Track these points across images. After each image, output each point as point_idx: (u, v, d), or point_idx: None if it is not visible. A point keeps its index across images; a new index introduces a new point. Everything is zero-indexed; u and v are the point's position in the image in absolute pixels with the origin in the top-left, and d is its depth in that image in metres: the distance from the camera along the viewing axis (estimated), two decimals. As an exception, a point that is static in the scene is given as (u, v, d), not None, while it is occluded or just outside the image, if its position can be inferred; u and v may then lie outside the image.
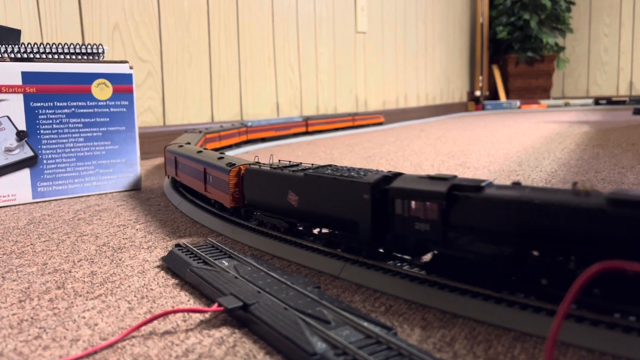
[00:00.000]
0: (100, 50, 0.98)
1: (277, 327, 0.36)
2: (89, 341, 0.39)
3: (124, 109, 1.00)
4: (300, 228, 0.58)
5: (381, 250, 0.49)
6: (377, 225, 0.47)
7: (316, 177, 0.52)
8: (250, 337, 0.38)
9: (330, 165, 0.56)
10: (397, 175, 0.47)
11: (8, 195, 0.90)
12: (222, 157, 0.70)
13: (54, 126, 0.94)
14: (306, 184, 0.53)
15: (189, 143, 1.02)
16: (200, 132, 1.34)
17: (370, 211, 0.46)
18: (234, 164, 0.65)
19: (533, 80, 4.36)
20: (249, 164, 0.65)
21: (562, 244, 0.36)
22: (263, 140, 1.89)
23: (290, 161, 0.62)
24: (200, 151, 0.80)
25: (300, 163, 0.61)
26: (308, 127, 2.15)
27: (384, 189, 0.46)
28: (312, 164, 0.57)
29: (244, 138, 1.75)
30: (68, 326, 0.41)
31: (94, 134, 0.98)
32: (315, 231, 0.56)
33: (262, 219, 0.62)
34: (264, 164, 0.63)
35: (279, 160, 0.63)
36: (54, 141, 0.94)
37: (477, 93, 4.39)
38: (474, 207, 0.40)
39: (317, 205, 0.52)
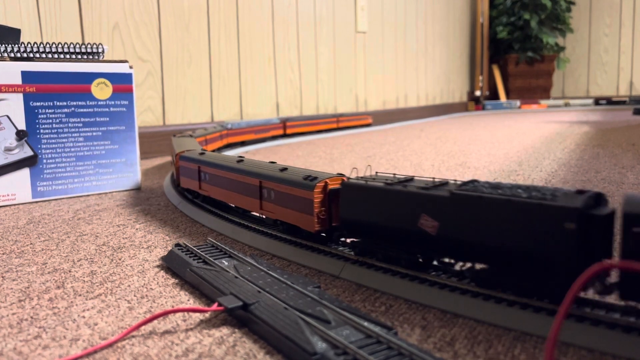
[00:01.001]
0: (100, 50, 0.98)
1: (277, 327, 0.36)
2: (89, 341, 0.39)
3: (124, 109, 1.00)
4: (435, 262, 0.47)
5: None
6: (581, 262, 0.36)
7: (475, 198, 0.40)
8: (250, 336, 0.38)
9: (475, 181, 0.44)
10: (600, 196, 0.37)
11: (8, 195, 0.90)
12: (285, 169, 0.58)
13: (54, 126, 0.94)
14: (456, 207, 0.41)
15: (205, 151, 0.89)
16: (190, 135, 1.22)
17: (576, 245, 0.35)
18: (316, 178, 0.53)
19: (533, 80, 4.36)
20: (344, 178, 0.52)
21: None
22: (243, 143, 1.74)
23: (394, 174, 0.50)
24: (241, 160, 0.68)
25: (413, 177, 0.49)
26: (286, 129, 1.99)
27: (593, 214, 0.35)
28: (434, 178, 0.47)
29: (225, 142, 1.58)
30: (68, 326, 0.41)
31: (94, 134, 0.98)
32: (458, 265, 0.45)
33: (366, 246, 0.49)
34: (362, 178, 0.50)
35: (393, 175, 0.50)
36: (53, 141, 0.94)
37: (477, 93, 4.39)
38: None
39: (472, 234, 0.40)
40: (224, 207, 0.75)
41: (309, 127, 2.13)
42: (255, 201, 0.62)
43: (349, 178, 0.52)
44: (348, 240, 0.53)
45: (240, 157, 0.71)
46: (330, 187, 0.52)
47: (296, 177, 0.55)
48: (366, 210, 0.48)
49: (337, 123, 2.33)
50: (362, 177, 0.51)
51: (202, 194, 0.78)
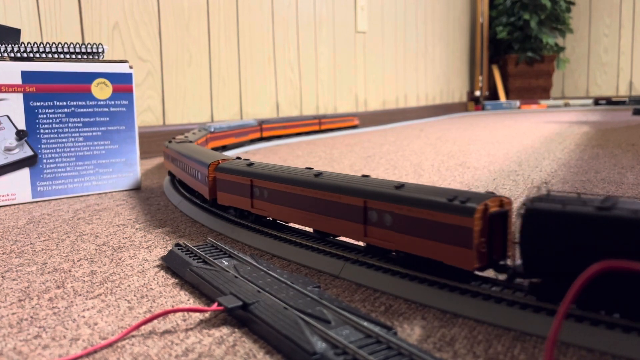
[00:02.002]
0: (100, 50, 0.98)
1: (277, 327, 0.36)
2: (89, 340, 0.39)
3: (124, 109, 1.00)
4: None
5: None
6: None
7: None
8: (250, 336, 0.38)
9: None
10: None
11: (7, 195, 0.90)
12: (402, 185, 0.47)
13: (54, 125, 0.94)
14: None
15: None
16: (190, 140, 1.10)
17: None
18: (469, 199, 0.41)
19: (533, 81, 4.36)
20: (505, 199, 0.42)
21: None
22: (224, 148, 1.60)
23: (578, 193, 0.40)
24: (320, 174, 0.55)
25: (613, 197, 0.38)
26: (262, 132, 1.85)
27: None
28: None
29: (210, 146, 1.42)
30: (68, 325, 0.41)
31: (94, 134, 0.98)
32: None
33: (557, 289, 0.38)
34: (542, 198, 0.39)
35: (577, 194, 0.39)
36: (53, 140, 0.94)
37: (477, 93, 4.39)
38: None
39: None
40: (267, 223, 0.65)
41: (286, 129, 1.96)
42: (357, 226, 0.49)
43: (503, 197, 0.42)
44: (524, 282, 0.42)
45: (311, 168, 0.59)
46: (491, 210, 0.41)
47: (435, 197, 0.43)
48: (567, 243, 0.36)
49: (319, 125, 2.18)
50: (540, 197, 0.39)
51: (256, 214, 0.63)
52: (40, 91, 0.92)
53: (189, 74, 1.76)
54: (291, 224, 0.67)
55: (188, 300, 0.46)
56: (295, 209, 0.56)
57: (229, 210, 0.73)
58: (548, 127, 2.34)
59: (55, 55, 0.94)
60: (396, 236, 0.46)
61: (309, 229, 0.63)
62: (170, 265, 0.53)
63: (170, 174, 1.05)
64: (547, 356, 0.26)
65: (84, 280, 0.51)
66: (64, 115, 0.95)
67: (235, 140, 1.64)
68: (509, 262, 0.41)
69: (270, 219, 0.64)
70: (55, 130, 0.94)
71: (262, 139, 1.88)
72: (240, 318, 0.40)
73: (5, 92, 0.89)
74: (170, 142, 1.03)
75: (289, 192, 0.57)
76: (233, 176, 0.66)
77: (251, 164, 0.65)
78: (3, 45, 0.89)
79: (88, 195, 0.98)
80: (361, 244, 0.57)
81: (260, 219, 0.65)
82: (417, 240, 0.44)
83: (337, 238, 0.58)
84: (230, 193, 0.67)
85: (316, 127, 2.17)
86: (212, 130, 1.43)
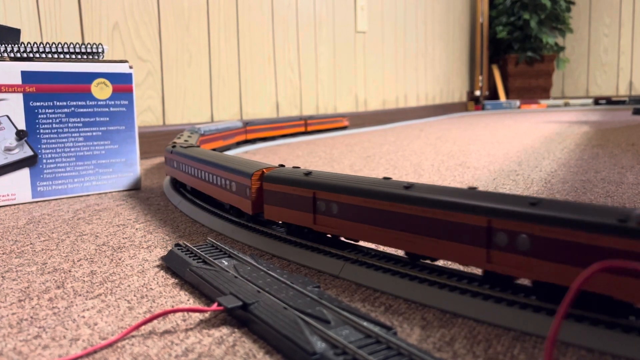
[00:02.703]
0: (100, 50, 0.98)
1: (277, 327, 0.36)
2: (89, 340, 0.39)
3: (124, 109, 1.00)
4: None
5: None
6: None
7: None
8: (250, 336, 0.38)
9: None
10: None
11: (7, 195, 0.90)
12: (538, 202, 0.38)
13: (54, 125, 0.94)
14: None
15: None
16: (197, 145, 1.06)
17: None
18: None
19: (533, 80, 4.36)
20: None
21: None
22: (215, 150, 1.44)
23: None
24: (410, 186, 0.47)
25: None
26: (247, 134, 1.75)
27: None
28: None
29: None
30: (68, 325, 0.41)
31: (94, 134, 0.98)
32: None
33: None
34: None
35: None
36: (53, 141, 0.94)
37: (477, 93, 4.39)
38: None
39: None
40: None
41: (270, 131, 1.86)
42: (476, 250, 0.40)
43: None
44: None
45: (388, 178, 0.51)
46: None
47: (599, 217, 0.35)
48: None
49: (305, 127, 2.06)
50: None
51: (319, 231, 0.54)
52: (40, 91, 0.92)
53: (189, 74, 1.76)
54: (362, 242, 0.59)
55: (188, 300, 0.46)
56: (379, 228, 0.47)
57: (272, 226, 0.64)
58: (548, 127, 2.34)
59: (55, 55, 0.94)
60: (537, 264, 0.37)
61: (388, 249, 0.57)
62: (170, 265, 0.53)
63: (174, 181, 0.98)
64: (546, 356, 0.26)
65: (84, 281, 0.51)
66: (64, 115, 0.95)
67: (224, 143, 1.55)
68: None
69: (335, 237, 0.56)
70: (55, 130, 0.94)
71: (247, 142, 1.78)
72: (240, 318, 0.40)
73: (5, 92, 0.89)
74: (174, 146, 0.93)
75: (370, 207, 0.48)
76: (287, 187, 0.57)
77: (309, 173, 0.56)
78: (3, 45, 0.90)
79: (88, 195, 0.98)
80: (455, 265, 0.51)
81: (320, 236, 0.56)
82: (571, 269, 0.36)
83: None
84: (282, 207, 0.58)
85: (302, 129, 2.05)
86: (203, 132, 1.36)
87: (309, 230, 0.57)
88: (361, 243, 0.60)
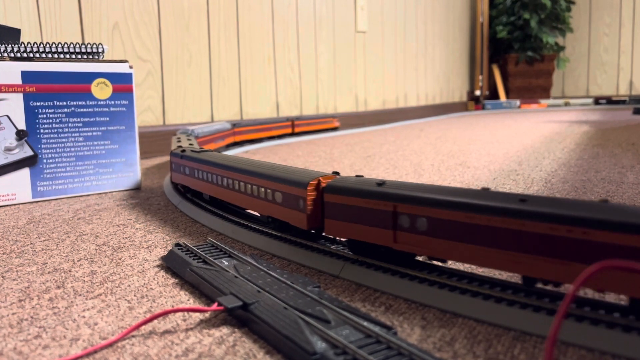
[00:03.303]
0: (100, 50, 0.98)
1: (277, 327, 0.36)
2: (89, 340, 0.39)
3: (124, 109, 1.00)
4: None
5: None
6: None
7: None
8: (250, 336, 0.38)
9: None
10: None
11: (8, 195, 0.90)
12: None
13: (54, 125, 0.94)
14: None
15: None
16: (215, 149, 0.97)
17: None
18: None
19: (533, 80, 4.36)
20: None
21: None
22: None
23: None
24: (525, 199, 0.39)
25: None
26: (235, 136, 1.68)
27: None
28: None
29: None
30: (68, 325, 0.41)
31: (94, 134, 0.98)
32: None
33: None
34: None
35: None
36: (53, 140, 0.94)
37: (477, 92, 4.39)
38: None
39: None
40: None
41: (254, 133, 1.77)
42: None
43: None
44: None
45: (487, 189, 0.44)
46: None
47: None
48: None
49: (292, 128, 1.96)
50: None
51: (401, 250, 0.47)
52: (40, 91, 0.92)
53: (189, 73, 1.76)
54: (451, 262, 0.53)
55: (188, 300, 0.46)
56: (485, 247, 0.40)
57: (323, 242, 0.57)
58: (548, 127, 2.33)
59: (55, 55, 0.94)
60: None
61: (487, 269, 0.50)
62: (170, 265, 0.53)
63: (186, 189, 0.88)
64: (547, 356, 0.26)
65: (84, 280, 0.51)
66: (64, 115, 0.95)
67: (215, 146, 1.49)
68: None
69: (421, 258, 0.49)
70: (56, 130, 0.94)
71: (235, 144, 1.72)
72: (240, 318, 0.40)
73: (5, 92, 0.89)
74: (183, 151, 0.85)
75: (474, 223, 0.40)
76: (356, 199, 0.49)
77: (382, 183, 0.49)
78: (3, 45, 0.89)
79: (88, 195, 0.98)
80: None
81: (401, 256, 0.49)
82: None
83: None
84: (350, 222, 0.50)
85: (288, 130, 1.94)
86: (197, 134, 1.31)
87: (387, 249, 0.49)
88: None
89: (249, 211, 0.71)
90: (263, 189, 0.61)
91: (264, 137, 1.84)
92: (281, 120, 1.92)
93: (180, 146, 0.93)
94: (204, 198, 0.80)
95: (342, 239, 0.55)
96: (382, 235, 0.47)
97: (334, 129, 2.29)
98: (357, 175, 0.54)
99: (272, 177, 0.59)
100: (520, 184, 0.96)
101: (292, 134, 2.00)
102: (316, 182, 0.53)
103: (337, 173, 0.57)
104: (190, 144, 1.00)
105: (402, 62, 3.16)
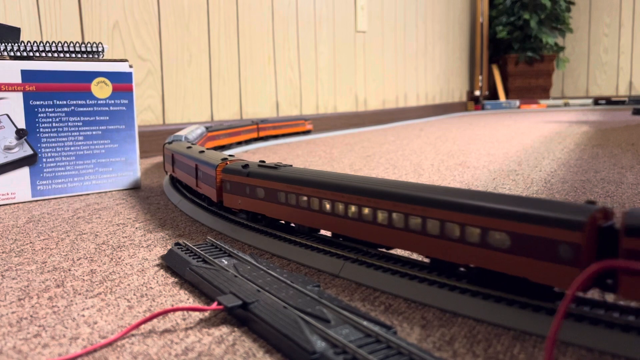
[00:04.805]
0: (100, 49, 0.98)
1: (277, 326, 0.36)
2: (89, 339, 0.39)
3: (124, 108, 1.00)
4: None
5: None
6: None
7: None
8: (250, 335, 0.38)
9: None
10: None
11: (7, 194, 0.90)
12: None
13: (54, 124, 0.94)
14: None
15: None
16: (232, 156, 0.84)
17: None
18: None
19: (533, 80, 4.36)
20: None
21: None
22: None
23: None
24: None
25: None
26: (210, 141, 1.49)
27: None
28: None
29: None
30: (67, 324, 0.41)
31: (94, 133, 0.98)
32: None
33: None
34: None
35: None
36: (53, 139, 0.94)
37: (477, 93, 4.39)
38: None
39: None
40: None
41: (224, 139, 1.59)
42: None
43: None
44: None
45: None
46: None
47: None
48: None
49: (257, 132, 1.81)
50: None
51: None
52: (40, 90, 0.92)
53: (189, 73, 1.76)
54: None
55: (188, 299, 0.46)
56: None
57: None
58: (548, 127, 2.34)
59: (55, 54, 0.94)
60: None
61: None
62: (170, 264, 0.53)
63: (252, 215, 0.66)
64: (546, 355, 0.26)
65: (84, 279, 0.51)
66: (63, 114, 0.95)
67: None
68: None
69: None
70: (55, 129, 0.94)
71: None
72: (240, 317, 0.40)
73: (5, 91, 0.89)
74: (246, 166, 0.64)
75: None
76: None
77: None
78: (3, 44, 0.89)
79: (88, 194, 0.98)
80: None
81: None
82: None
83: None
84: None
85: (254, 135, 1.79)
86: (190, 140, 1.17)
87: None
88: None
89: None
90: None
91: (231, 143, 1.66)
92: (247, 123, 1.75)
93: (226, 157, 0.73)
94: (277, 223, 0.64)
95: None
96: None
97: (306, 132, 2.08)
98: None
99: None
100: (520, 184, 0.96)
101: (258, 139, 1.84)
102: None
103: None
104: (201, 151, 0.81)
105: (402, 61, 3.16)
